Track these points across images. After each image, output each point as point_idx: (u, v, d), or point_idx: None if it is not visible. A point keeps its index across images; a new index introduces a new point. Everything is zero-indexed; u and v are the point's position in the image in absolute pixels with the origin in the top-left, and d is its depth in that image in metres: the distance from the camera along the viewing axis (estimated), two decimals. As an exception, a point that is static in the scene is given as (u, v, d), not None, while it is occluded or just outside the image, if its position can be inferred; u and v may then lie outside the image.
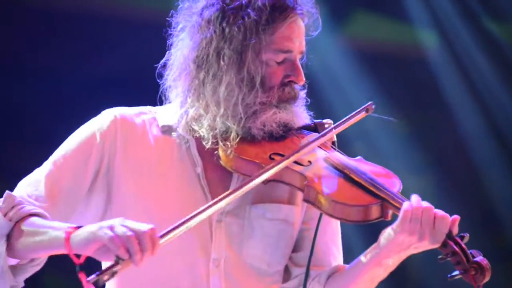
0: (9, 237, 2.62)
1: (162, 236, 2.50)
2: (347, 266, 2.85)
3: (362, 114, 2.79)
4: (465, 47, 5.60)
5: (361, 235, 4.80)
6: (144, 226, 2.46)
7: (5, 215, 2.62)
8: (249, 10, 2.73)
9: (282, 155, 2.74)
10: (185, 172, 2.80)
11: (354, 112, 2.78)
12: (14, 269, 2.65)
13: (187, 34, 2.81)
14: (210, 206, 2.58)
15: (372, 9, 5.65)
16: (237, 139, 2.76)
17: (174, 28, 2.86)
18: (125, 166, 2.80)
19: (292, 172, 2.72)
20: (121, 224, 2.47)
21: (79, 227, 2.54)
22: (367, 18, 5.65)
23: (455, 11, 5.58)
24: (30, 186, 2.75)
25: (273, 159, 2.74)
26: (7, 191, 2.68)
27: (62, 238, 2.53)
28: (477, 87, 5.64)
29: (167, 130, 2.85)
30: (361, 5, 5.63)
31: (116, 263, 2.43)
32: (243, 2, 2.75)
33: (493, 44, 5.59)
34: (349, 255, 2.92)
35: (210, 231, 2.77)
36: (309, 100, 2.84)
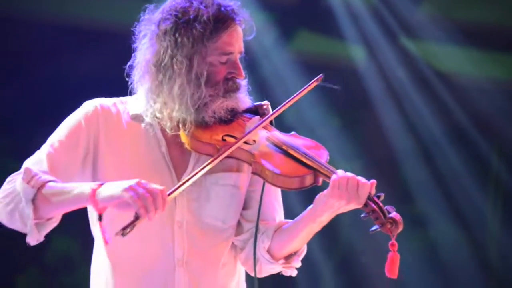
0: (33, 201, 2.78)
1: (169, 194, 2.71)
2: (289, 222, 3.01)
3: (313, 84, 2.97)
4: (387, 60, 6.05)
5: (300, 197, 4.95)
6: (156, 188, 2.66)
7: (27, 183, 2.78)
8: (196, 23, 2.89)
9: (232, 136, 2.89)
10: (152, 151, 2.96)
11: (304, 87, 2.97)
12: (37, 226, 2.80)
13: (148, 40, 2.95)
14: (196, 173, 2.80)
15: (313, 29, 6.03)
16: (192, 126, 2.91)
17: (137, 35, 3.01)
18: (106, 146, 2.95)
19: (242, 151, 2.87)
20: (139, 186, 2.66)
21: (101, 184, 2.71)
22: (309, 36, 6.04)
23: (378, 30, 6.00)
24: (35, 165, 2.87)
25: (224, 140, 2.89)
26: (25, 167, 2.83)
27: (88, 194, 2.70)
28: (396, 92, 6.06)
29: (136, 117, 2.99)
30: (304, 25, 5.99)
31: (136, 218, 2.64)
32: (191, 16, 2.90)
33: (409, 58, 6.03)
34: (289, 212, 3.13)
35: (174, 198, 2.89)
36: (250, 87, 2.99)
